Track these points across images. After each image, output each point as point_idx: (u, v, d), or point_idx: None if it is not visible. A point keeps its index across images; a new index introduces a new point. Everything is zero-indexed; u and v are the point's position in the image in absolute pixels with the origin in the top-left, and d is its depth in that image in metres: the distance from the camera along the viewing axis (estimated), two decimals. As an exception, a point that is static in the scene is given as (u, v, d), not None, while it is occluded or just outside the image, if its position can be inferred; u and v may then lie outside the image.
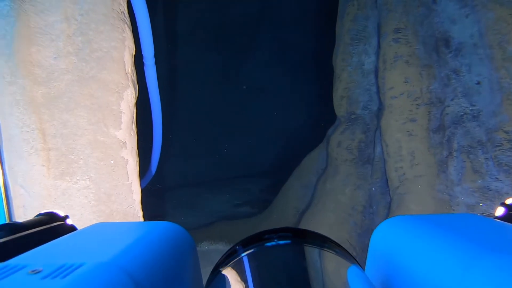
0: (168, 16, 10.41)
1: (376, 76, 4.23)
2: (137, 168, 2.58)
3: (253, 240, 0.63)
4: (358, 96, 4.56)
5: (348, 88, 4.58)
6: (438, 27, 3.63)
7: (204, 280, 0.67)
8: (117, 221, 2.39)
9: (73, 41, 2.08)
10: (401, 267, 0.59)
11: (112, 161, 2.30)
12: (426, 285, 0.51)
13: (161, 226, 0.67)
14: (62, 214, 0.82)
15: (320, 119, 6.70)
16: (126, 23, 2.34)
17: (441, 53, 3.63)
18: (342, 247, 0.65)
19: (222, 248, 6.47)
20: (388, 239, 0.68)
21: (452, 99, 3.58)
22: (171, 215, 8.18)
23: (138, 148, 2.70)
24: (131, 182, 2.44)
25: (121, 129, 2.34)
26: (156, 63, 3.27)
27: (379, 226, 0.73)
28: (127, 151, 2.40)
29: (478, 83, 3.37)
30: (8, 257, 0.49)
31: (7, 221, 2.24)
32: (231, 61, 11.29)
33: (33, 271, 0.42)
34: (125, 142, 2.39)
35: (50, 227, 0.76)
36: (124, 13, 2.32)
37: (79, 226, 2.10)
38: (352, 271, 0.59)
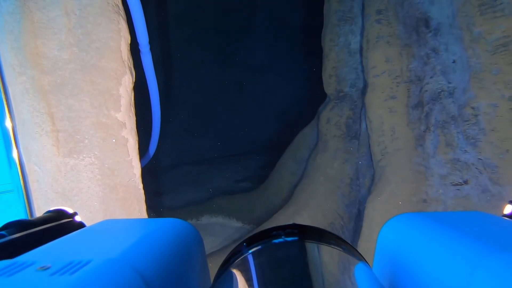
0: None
1: (362, 56, 4.44)
2: (137, 146, 2.88)
3: (261, 237, 0.64)
4: (345, 75, 4.78)
5: (336, 67, 4.79)
6: (418, 8, 3.80)
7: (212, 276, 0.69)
8: (121, 192, 2.71)
9: (74, 34, 2.33)
10: (408, 265, 0.59)
11: (114, 140, 2.59)
12: (433, 283, 0.51)
13: (169, 223, 0.68)
14: (70, 211, 0.83)
15: (316, 97, 6.92)
16: (121, 16, 2.58)
17: (421, 32, 3.82)
18: (349, 244, 0.66)
19: (222, 221, 6.86)
20: (395, 237, 0.69)
21: (431, 77, 3.80)
22: (174, 192, 8.54)
23: (140, 128, 2.99)
24: (131, 158, 2.74)
25: (120, 111, 2.62)
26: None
27: (387, 223, 0.73)
28: (126, 131, 2.69)
29: (454, 61, 3.58)
30: (17, 254, 0.50)
31: (24, 194, 2.57)
32: (228, 42, 11.38)
33: (41, 267, 0.43)
34: (125, 123, 2.68)
35: (58, 224, 0.77)
36: (118, 6, 2.55)
37: (88, 197, 2.44)
38: (360, 268, 0.59)
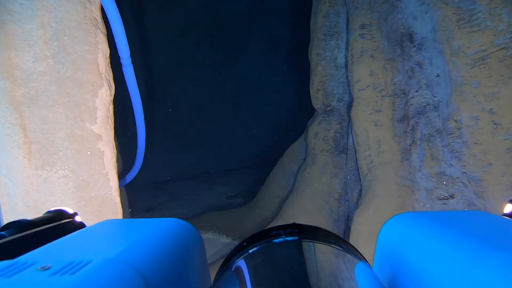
0: (162, 14, 10.66)
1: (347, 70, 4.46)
2: (114, 159, 2.84)
3: (261, 237, 0.64)
4: (333, 89, 4.79)
5: (323, 81, 4.81)
6: (402, 23, 3.84)
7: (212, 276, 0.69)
8: (96, 206, 2.66)
9: (50, 46, 2.33)
10: (408, 264, 0.59)
11: (89, 152, 2.56)
12: (433, 283, 0.51)
13: (169, 223, 0.68)
14: (71, 211, 0.83)
15: (308, 111, 6.93)
16: (99, 28, 2.59)
17: (406, 47, 3.85)
18: (349, 243, 0.66)
19: (212, 237, 6.75)
20: (395, 236, 0.69)
21: (416, 91, 3.80)
22: (166, 207, 8.46)
23: (121, 141, 2.96)
24: (108, 171, 2.70)
25: (96, 123, 2.60)
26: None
27: (387, 223, 0.73)
28: (103, 143, 2.66)
29: (438, 75, 3.59)
30: (17, 254, 0.50)
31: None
32: (221, 56, 11.52)
33: (42, 267, 0.43)
34: (101, 135, 2.65)
35: (59, 224, 0.77)
36: (96, 19, 2.56)
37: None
38: (360, 268, 0.59)
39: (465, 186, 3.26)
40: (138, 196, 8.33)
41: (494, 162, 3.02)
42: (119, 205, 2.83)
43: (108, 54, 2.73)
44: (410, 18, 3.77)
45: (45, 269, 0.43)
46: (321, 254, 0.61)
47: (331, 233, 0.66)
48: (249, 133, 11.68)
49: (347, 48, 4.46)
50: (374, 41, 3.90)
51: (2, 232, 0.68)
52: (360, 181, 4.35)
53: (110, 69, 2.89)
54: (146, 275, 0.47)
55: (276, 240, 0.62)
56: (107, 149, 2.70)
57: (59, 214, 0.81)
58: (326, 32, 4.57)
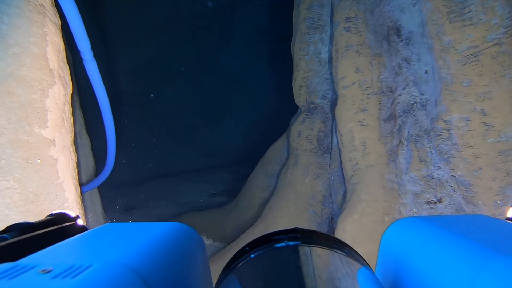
0: (143, 6, 10.25)
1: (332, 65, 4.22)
2: (72, 166, 2.53)
3: (263, 241, 0.64)
4: (316, 86, 4.54)
5: (306, 77, 4.55)
6: (389, 16, 3.61)
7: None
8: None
9: (-16, 37, 2.00)
10: (411, 269, 0.60)
11: (39, 160, 2.25)
12: (437, 287, 0.52)
13: (171, 227, 0.68)
14: (73, 214, 0.83)
15: (293, 107, 6.69)
16: (48, 17, 2.26)
17: (393, 42, 3.62)
18: (352, 248, 0.66)
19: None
20: (398, 241, 0.69)
21: (403, 88, 3.59)
22: (146, 206, 8.14)
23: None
24: (63, 181, 2.39)
25: (47, 127, 2.28)
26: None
27: (389, 227, 0.73)
28: (56, 149, 2.35)
29: (426, 72, 3.39)
30: (18, 257, 0.49)
31: None
32: (203, 50, 11.14)
33: (43, 270, 0.43)
34: (54, 140, 2.34)
35: (60, 227, 0.77)
36: (44, 6, 2.23)
37: (3, 227, 2.06)
38: (362, 273, 0.58)
39: (454, 191, 3.07)
40: (116, 195, 7.99)
41: (485, 166, 2.84)
42: (81, 217, 2.53)
43: (61, 48, 2.40)
44: (397, 11, 3.54)
45: (46, 272, 0.42)
46: (323, 259, 0.60)
47: (333, 237, 0.66)
48: (231, 129, 11.41)
49: (331, 42, 4.21)
50: (360, 35, 3.66)
51: (4, 235, 0.66)
52: (345, 183, 4.14)
53: (66, 64, 2.56)
54: (148, 279, 0.46)
55: (278, 245, 0.62)
56: (61, 155, 2.38)
57: (61, 217, 0.80)
58: (309, 25, 4.30)
